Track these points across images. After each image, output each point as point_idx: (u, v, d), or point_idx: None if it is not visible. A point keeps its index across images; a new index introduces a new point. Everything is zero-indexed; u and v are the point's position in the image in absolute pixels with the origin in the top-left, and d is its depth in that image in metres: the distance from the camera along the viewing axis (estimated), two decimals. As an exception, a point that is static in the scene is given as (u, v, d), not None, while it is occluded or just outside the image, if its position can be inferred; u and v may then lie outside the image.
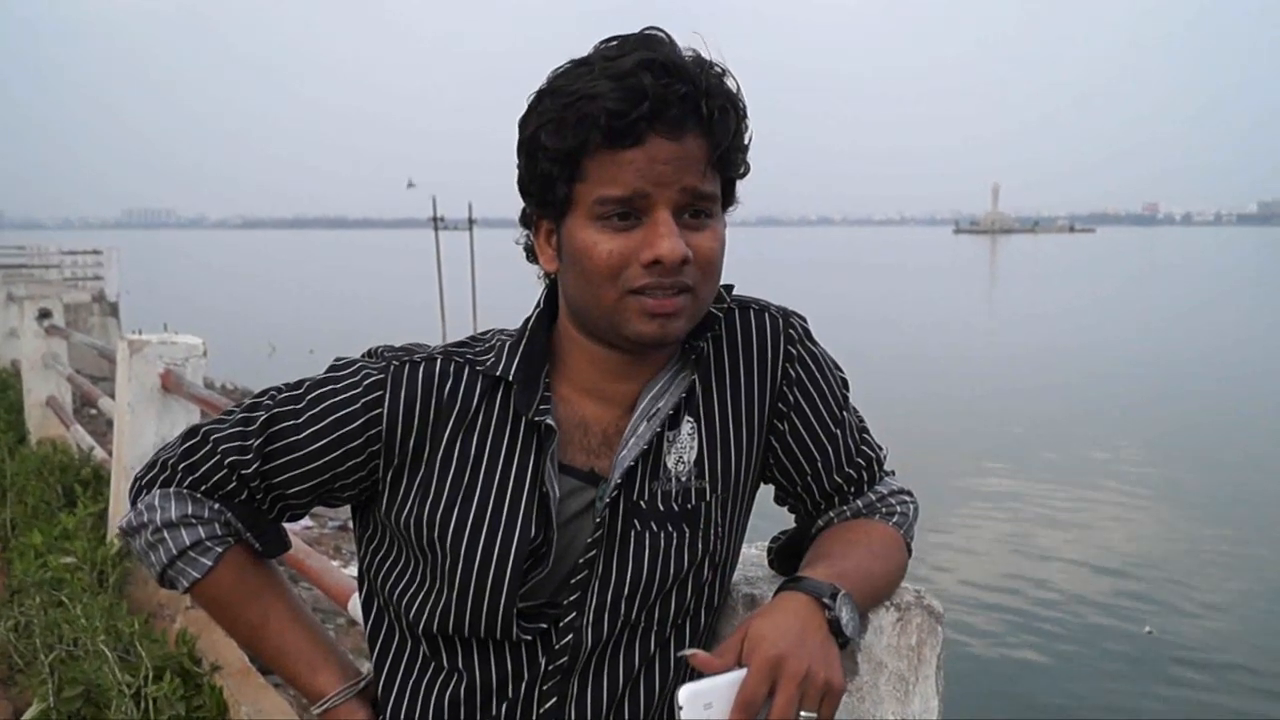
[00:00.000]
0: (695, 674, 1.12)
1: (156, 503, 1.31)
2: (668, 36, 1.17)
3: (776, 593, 1.21)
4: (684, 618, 1.32)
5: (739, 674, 1.09)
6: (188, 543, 1.30)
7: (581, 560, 1.26)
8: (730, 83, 1.18)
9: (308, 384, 1.29)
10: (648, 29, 1.18)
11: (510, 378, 1.26)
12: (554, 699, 1.27)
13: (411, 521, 1.26)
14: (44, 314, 7.54)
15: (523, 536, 1.24)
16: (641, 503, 1.28)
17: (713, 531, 1.31)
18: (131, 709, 3.17)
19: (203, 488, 1.30)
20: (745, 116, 1.20)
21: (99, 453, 6.01)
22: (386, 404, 1.25)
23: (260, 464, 1.27)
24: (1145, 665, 7.73)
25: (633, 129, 1.12)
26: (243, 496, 1.30)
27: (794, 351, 1.34)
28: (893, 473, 1.44)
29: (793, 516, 1.47)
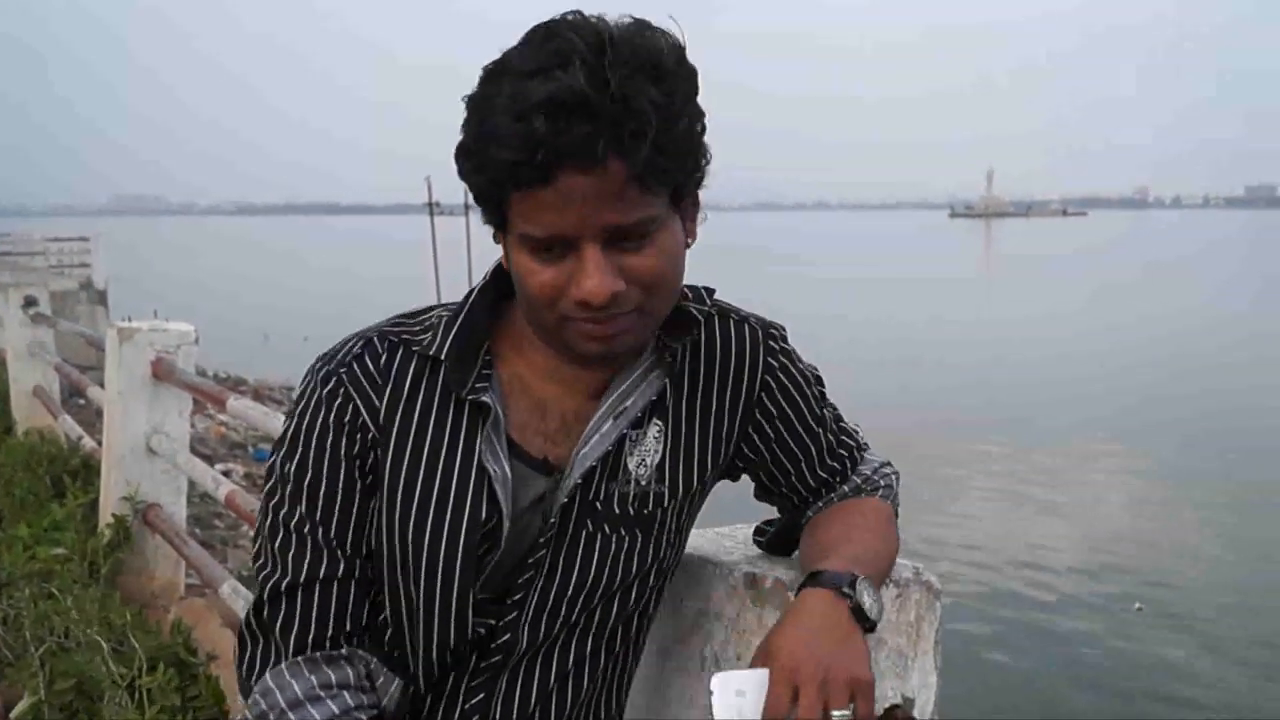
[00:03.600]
0: (627, 671, 1.24)
1: (271, 683, 1.18)
2: (588, 26, 1.04)
3: (798, 591, 1.19)
4: (624, 620, 1.31)
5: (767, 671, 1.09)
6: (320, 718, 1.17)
7: (530, 560, 1.23)
8: (656, 89, 1.03)
9: (283, 452, 1.23)
10: (570, 15, 1.06)
11: (443, 356, 1.20)
12: (480, 695, 1.25)
13: (373, 516, 1.23)
14: (29, 302, 7.48)
15: (472, 518, 1.19)
16: (597, 503, 1.24)
17: (665, 538, 1.29)
18: (125, 701, 3.15)
19: (312, 633, 1.19)
20: (680, 118, 1.06)
21: (88, 442, 5.97)
22: (360, 404, 1.20)
23: (322, 532, 1.20)
24: (1136, 641, 7.78)
25: (540, 170, 1.02)
26: (350, 597, 1.21)
27: (773, 364, 1.31)
28: (868, 447, 1.43)
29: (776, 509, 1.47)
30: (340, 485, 1.20)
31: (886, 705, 1.25)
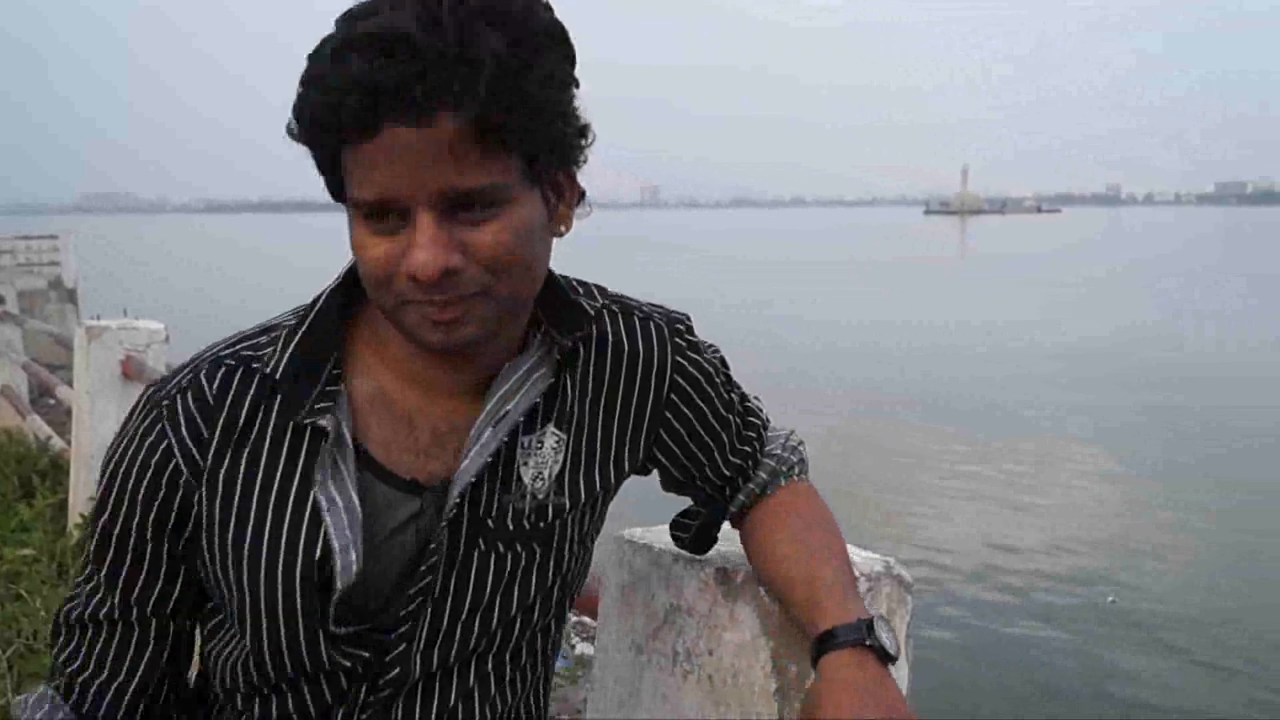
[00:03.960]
0: (542, 679, 1.23)
1: (29, 707, 1.14)
2: None
3: (814, 663, 1.13)
4: (529, 637, 1.22)
5: None
6: None
7: (414, 589, 1.10)
8: (499, 35, 0.91)
9: (99, 492, 1.13)
10: None
11: (277, 375, 1.07)
12: None
13: (205, 561, 1.11)
14: (-4, 300, 7.41)
15: (306, 556, 1.07)
16: (489, 520, 1.12)
17: (568, 549, 1.19)
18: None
19: (83, 677, 1.13)
20: (530, 72, 0.92)
21: (57, 442, 5.92)
22: (181, 446, 1.08)
23: (121, 593, 1.12)
24: (1109, 632, 7.83)
25: (360, 120, 0.90)
26: (140, 660, 1.14)
27: (682, 361, 1.22)
28: (770, 421, 1.35)
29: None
30: (147, 544, 1.10)
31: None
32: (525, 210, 0.99)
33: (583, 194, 1.09)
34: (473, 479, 1.09)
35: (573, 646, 6.42)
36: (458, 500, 1.10)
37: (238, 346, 1.11)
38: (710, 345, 1.28)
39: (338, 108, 0.90)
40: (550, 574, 1.18)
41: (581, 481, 1.18)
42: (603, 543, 1.56)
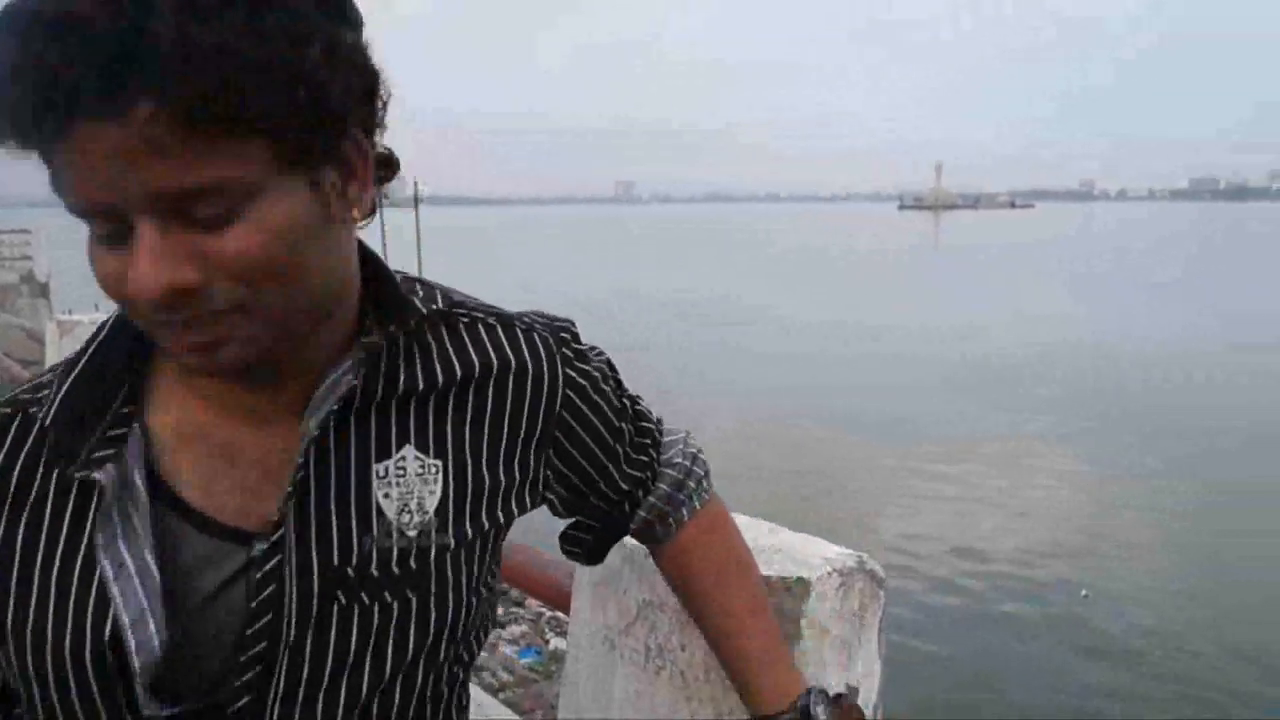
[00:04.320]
0: (458, 698, 1.03)
1: None
2: None
3: None
4: (415, 699, 0.99)
5: None
6: None
7: (247, 656, 0.89)
8: None
9: None
10: None
11: (48, 422, 0.89)
12: None
13: None
14: (-33, 294, 7.32)
15: (95, 630, 0.87)
16: (348, 569, 0.91)
17: (458, 595, 0.97)
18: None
19: None
20: (253, 35, 0.73)
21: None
22: None
23: None
24: (1082, 626, 7.91)
25: (38, 120, 0.73)
26: None
27: (571, 373, 1.06)
28: (662, 422, 1.21)
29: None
30: None
31: (831, 694, 1.25)
32: (282, 205, 0.79)
33: (390, 163, 0.91)
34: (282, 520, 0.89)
35: (546, 642, 6.43)
36: (294, 544, 0.89)
37: (19, 390, 0.94)
38: (596, 349, 1.13)
39: (12, 107, 0.73)
40: (434, 625, 0.96)
41: (468, 515, 0.98)
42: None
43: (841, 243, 78.41)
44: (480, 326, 1.03)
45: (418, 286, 1.00)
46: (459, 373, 0.99)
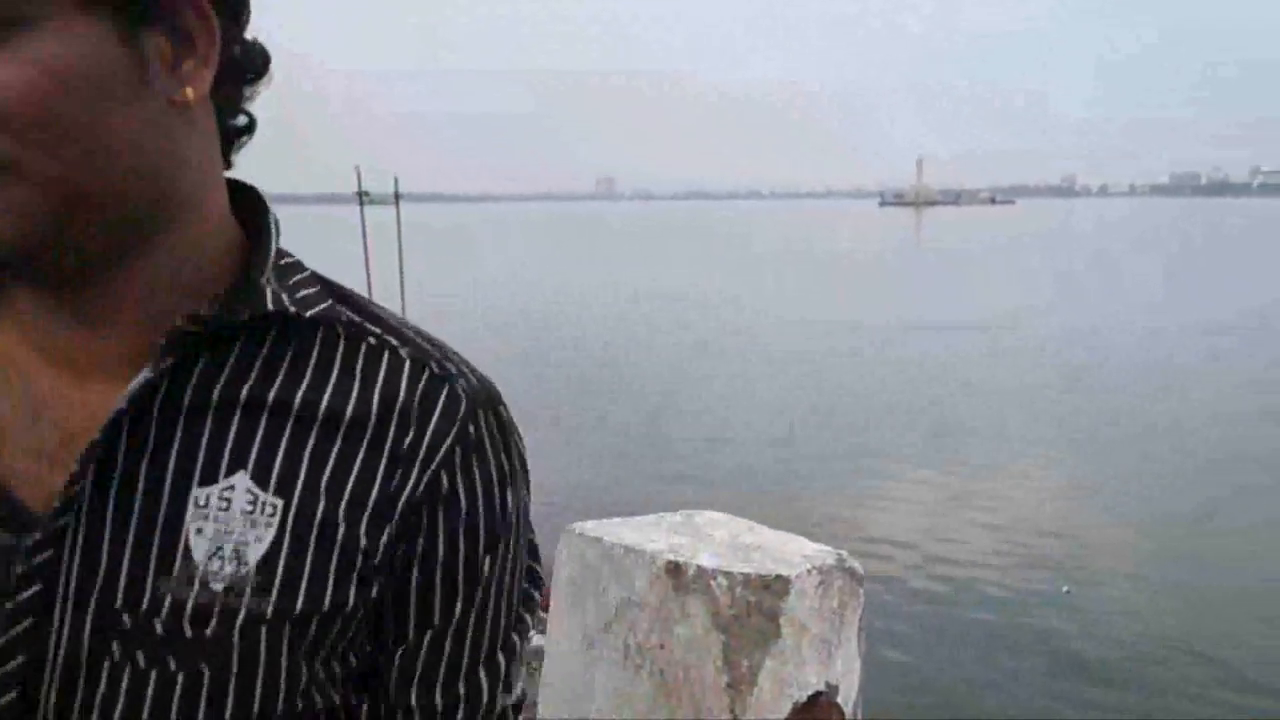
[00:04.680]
0: None
1: None
2: None
3: None
4: None
5: None
6: None
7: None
8: None
9: None
10: None
11: None
12: None
13: None
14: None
15: None
16: (125, 616, 0.67)
17: (286, 674, 0.70)
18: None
19: None
20: None
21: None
22: None
23: None
24: (1063, 625, 7.95)
25: None
26: None
27: (468, 457, 0.75)
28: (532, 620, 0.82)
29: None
30: None
31: (810, 692, 1.25)
32: (71, 45, 0.64)
33: (256, 56, 0.75)
34: (63, 522, 0.67)
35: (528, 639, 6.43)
36: (79, 554, 0.68)
37: None
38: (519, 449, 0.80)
39: None
40: (229, 709, 0.69)
41: (304, 581, 0.70)
42: (552, 536, 1.55)
43: (823, 243, 78.60)
44: (387, 353, 0.76)
45: (309, 281, 0.76)
46: (331, 399, 0.73)
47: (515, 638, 0.80)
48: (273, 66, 0.77)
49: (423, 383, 0.75)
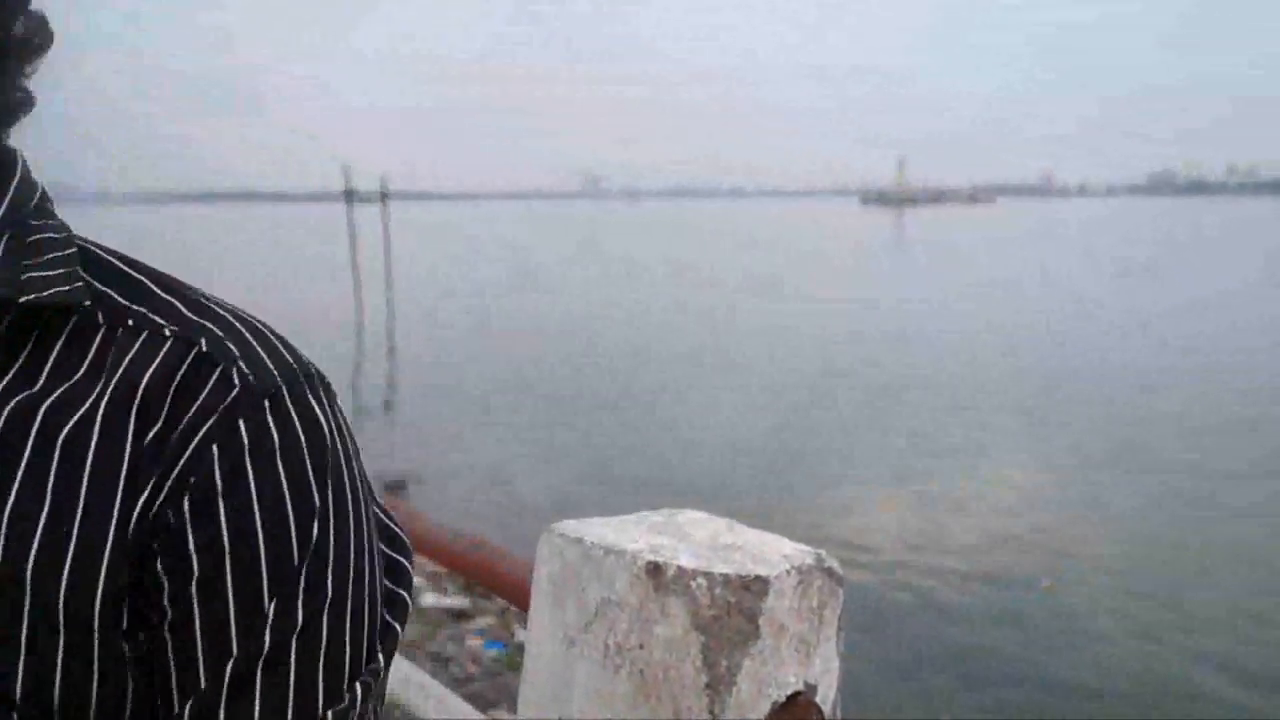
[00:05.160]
0: None
1: None
2: None
3: None
4: None
5: None
6: None
7: None
8: None
9: None
10: None
11: None
12: None
13: None
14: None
15: None
16: None
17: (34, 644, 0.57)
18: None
19: None
20: None
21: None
22: None
23: None
24: (1043, 621, 7.99)
25: None
26: None
27: (237, 460, 0.58)
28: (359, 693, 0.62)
29: None
30: None
31: (789, 692, 1.25)
32: None
33: (27, 23, 0.64)
34: None
35: (512, 635, 6.41)
36: None
37: None
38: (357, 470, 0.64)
39: None
40: None
41: (59, 531, 0.57)
42: (533, 535, 1.55)
43: (804, 243, 78.73)
44: (145, 334, 0.61)
45: (60, 261, 0.62)
46: (64, 397, 0.59)
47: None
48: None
49: (185, 365, 0.60)
